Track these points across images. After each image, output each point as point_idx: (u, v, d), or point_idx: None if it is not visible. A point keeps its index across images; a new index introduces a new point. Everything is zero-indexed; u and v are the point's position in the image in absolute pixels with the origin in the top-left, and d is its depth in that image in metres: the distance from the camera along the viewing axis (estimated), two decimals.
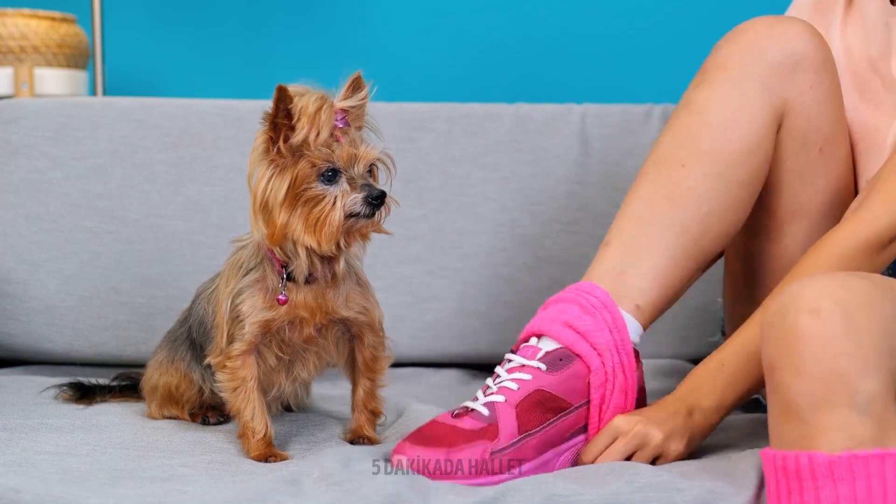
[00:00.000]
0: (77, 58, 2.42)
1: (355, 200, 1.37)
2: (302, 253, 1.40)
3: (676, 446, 1.37)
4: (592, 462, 1.37)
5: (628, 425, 1.36)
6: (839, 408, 1.11)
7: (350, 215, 1.38)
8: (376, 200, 1.37)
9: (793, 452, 1.12)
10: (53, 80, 2.38)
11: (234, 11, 2.57)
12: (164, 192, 2.01)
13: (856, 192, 1.57)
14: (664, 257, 1.43)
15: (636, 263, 1.43)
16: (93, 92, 2.46)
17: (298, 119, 1.35)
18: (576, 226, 2.04)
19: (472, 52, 2.51)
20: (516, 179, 2.05)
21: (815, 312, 1.13)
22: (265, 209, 1.38)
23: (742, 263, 1.60)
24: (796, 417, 1.13)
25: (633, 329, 1.42)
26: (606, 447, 1.36)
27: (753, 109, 1.45)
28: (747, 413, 1.66)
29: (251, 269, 1.45)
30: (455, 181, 2.05)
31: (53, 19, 2.39)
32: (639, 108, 2.08)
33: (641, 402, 1.43)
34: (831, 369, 1.11)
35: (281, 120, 1.36)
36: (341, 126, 1.39)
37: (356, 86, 1.42)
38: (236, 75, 2.56)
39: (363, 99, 1.41)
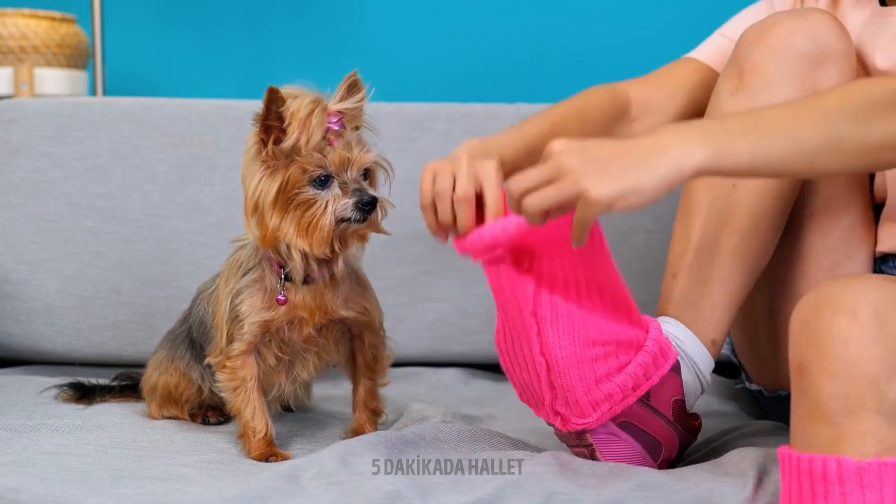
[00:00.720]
0: (77, 58, 2.42)
1: (346, 206, 1.37)
2: (296, 256, 1.40)
3: (599, 188, 1.14)
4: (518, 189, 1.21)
5: (562, 156, 1.17)
6: (870, 413, 1.09)
7: (341, 220, 1.37)
8: (367, 206, 1.37)
9: (820, 455, 1.10)
10: (53, 80, 2.38)
11: (234, 11, 2.57)
12: (164, 192, 2.01)
13: (871, 186, 1.56)
14: (731, 284, 1.44)
15: (707, 295, 1.44)
16: (93, 92, 2.46)
17: (289, 123, 1.35)
18: None
19: (472, 52, 2.51)
20: None
21: (852, 315, 1.11)
22: (256, 210, 1.38)
23: None
24: (825, 420, 1.11)
25: (707, 366, 1.44)
26: (538, 183, 1.19)
27: None
28: (745, 420, 1.65)
29: (250, 269, 1.45)
30: None
31: (53, 19, 2.39)
32: None
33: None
34: (865, 374, 1.10)
35: (272, 122, 1.36)
36: (336, 129, 1.38)
37: (353, 86, 1.41)
38: (236, 75, 2.56)
39: (360, 101, 1.41)
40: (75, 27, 2.44)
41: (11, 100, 2.08)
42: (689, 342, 1.42)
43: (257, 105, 1.38)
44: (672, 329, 1.43)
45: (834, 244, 1.52)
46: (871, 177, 1.57)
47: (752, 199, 1.44)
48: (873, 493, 1.08)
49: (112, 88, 2.50)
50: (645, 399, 1.37)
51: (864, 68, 1.55)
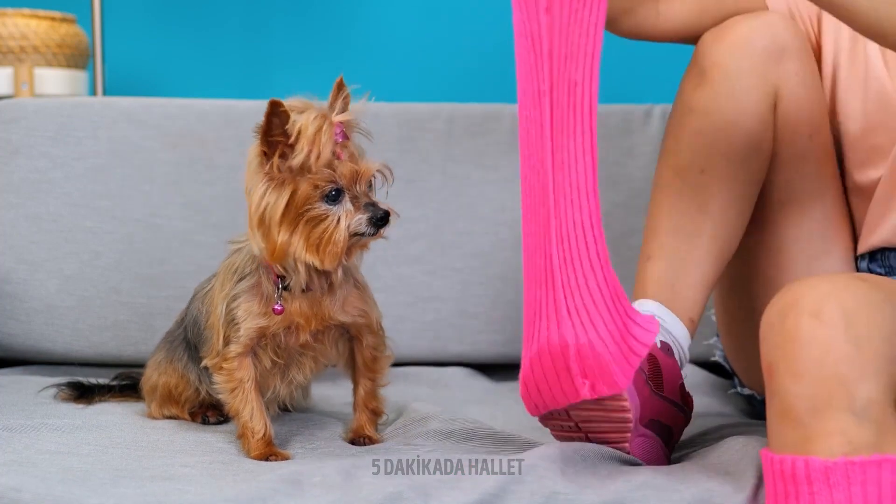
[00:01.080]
0: (77, 58, 2.42)
1: (360, 221, 1.37)
2: (302, 269, 1.40)
3: None
4: None
5: None
6: (838, 412, 1.10)
7: (354, 235, 1.37)
8: (381, 222, 1.37)
9: (790, 456, 1.11)
10: (53, 80, 2.38)
11: (233, 11, 2.57)
12: (164, 192, 2.01)
13: (842, 176, 1.58)
14: (705, 265, 1.48)
15: (683, 276, 1.47)
16: (93, 92, 2.46)
17: (297, 140, 1.34)
18: None
19: (472, 52, 2.51)
20: (516, 179, 2.04)
21: (816, 315, 1.12)
22: (262, 224, 1.37)
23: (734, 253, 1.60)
24: (794, 421, 1.12)
25: (687, 343, 1.47)
26: None
27: (755, 102, 1.48)
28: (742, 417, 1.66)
29: (246, 276, 1.44)
30: (455, 181, 2.05)
31: (53, 19, 2.40)
32: (639, 108, 2.08)
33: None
34: (831, 374, 1.11)
35: (276, 138, 1.34)
36: (340, 140, 1.37)
37: (342, 92, 1.39)
38: (236, 75, 2.56)
39: (357, 108, 1.39)
40: (75, 27, 2.44)
41: (11, 100, 2.08)
42: (671, 321, 1.46)
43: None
44: (654, 310, 1.45)
45: (808, 236, 1.55)
46: (843, 172, 1.58)
47: (719, 183, 1.48)
48: (840, 492, 1.09)
49: (112, 88, 2.50)
50: (659, 391, 1.39)
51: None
